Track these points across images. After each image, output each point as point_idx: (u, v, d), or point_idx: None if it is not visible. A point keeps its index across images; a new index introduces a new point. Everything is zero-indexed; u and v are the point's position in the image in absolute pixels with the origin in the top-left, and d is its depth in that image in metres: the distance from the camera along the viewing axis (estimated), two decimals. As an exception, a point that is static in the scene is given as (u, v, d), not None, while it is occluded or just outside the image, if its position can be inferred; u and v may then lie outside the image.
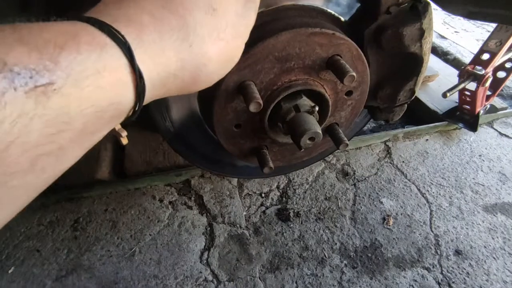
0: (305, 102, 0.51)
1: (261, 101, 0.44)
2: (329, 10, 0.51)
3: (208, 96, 0.51)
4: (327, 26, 0.47)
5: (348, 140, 0.84)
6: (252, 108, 0.44)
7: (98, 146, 0.34)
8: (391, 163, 1.27)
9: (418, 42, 0.50)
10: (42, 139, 0.20)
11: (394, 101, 0.60)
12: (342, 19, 0.53)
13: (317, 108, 0.52)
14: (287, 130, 0.52)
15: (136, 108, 0.27)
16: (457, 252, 1.00)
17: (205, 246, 0.99)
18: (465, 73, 1.12)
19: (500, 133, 1.43)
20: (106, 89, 0.23)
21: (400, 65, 0.57)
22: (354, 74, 0.45)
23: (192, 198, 1.12)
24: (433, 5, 0.51)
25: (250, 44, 0.43)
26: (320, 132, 0.48)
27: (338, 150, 0.58)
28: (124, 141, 0.34)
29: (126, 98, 0.25)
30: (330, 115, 0.55)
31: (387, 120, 0.65)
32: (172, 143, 0.63)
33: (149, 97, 0.27)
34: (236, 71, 0.47)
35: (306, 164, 0.82)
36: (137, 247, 0.97)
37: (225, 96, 0.49)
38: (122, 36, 0.24)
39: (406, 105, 0.63)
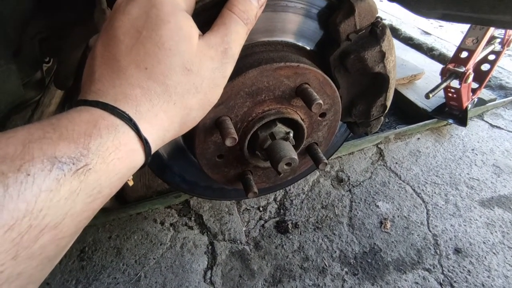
0: (280, 129, 0.54)
1: (236, 136, 0.47)
2: (294, 42, 0.55)
3: (189, 132, 0.54)
4: (292, 58, 0.51)
5: (340, 146, 0.87)
6: (228, 143, 0.47)
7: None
8: (384, 166, 1.29)
9: (381, 63, 0.53)
10: (84, 208, 0.27)
11: (368, 116, 0.63)
12: (308, 48, 0.56)
13: (291, 134, 0.55)
14: (265, 157, 0.55)
15: (146, 164, 0.34)
16: (457, 251, 1.01)
17: (207, 265, 1.02)
18: (446, 72, 1.15)
19: (491, 125, 1.44)
20: (124, 158, 0.30)
21: (369, 84, 0.60)
22: (321, 102, 0.48)
23: (192, 218, 1.15)
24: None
25: None
26: (296, 157, 0.51)
27: (319, 169, 0.61)
28: (130, 183, 0.40)
29: (138, 161, 0.32)
30: (306, 137, 0.58)
31: (366, 133, 0.68)
32: (162, 176, 0.66)
33: (152, 152, 0.34)
34: (211, 109, 0.50)
35: (300, 177, 0.83)
36: (142, 272, 1.00)
37: (204, 132, 0.52)
38: (128, 115, 0.31)
39: (382, 117, 0.66)
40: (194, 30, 0.35)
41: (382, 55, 0.53)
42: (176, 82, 0.34)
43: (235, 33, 0.37)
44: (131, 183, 0.38)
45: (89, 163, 0.26)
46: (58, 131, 0.26)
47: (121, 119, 0.30)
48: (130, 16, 0.34)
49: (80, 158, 0.26)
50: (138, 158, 0.32)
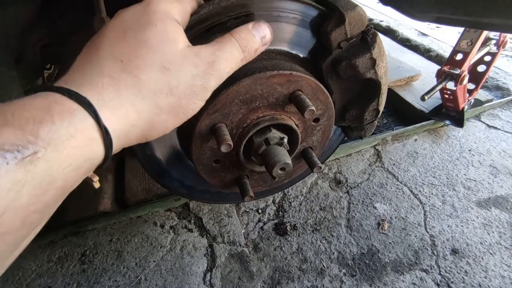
0: (275, 135, 0.55)
1: (231, 142, 0.48)
2: (287, 50, 0.56)
3: (185, 138, 0.56)
4: (285, 66, 0.52)
5: (336, 149, 0.88)
6: (223, 149, 0.48)
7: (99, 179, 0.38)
8: (382, 167, 1.30)
9: (372, 69, 0.55)
10: (31, 200, 0.24)
11: (361, 120, 0.64)
12: (301, 55, 0.58)
13: (286, 139, 0.56)
14: (261, 162, 0.57)
15: (106, 159, 0.31)
16: (454, 251, 1.02)
17: (207, 267, 1.03)
18: (442, 74, 1.16)
19: (488, 125, 1.45)
20: (80, 147, 0.27)
21: (361, 89, 0.61)
22: (313, 108, 0.49)
23: (192, 221, 1.17)
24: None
25: (217, 92, 0.47)
26: (290, 162, 0.53)
27: (313, 172, 0.62)
28: (96, 185, 0.36)
29: (96, 152, 0.29)
30: (301, 142, 0.60)
31: (360, 137, 0.69)
32: (160, 181, 0.68)
33: (115, 147, 0.32)
34: (207, 116, 0.52)
35: (297, 179, 0.85)
36: (142, 274, 1.02)
37: (200, 138, 0.53)
38: (87, 100, 0.28)
39: (375, 121, 0.67)
40: (181, 36, 0.36)
41: (373, 62, 0.54)
42: (150, 77, 0.32)
43: (228, 53, 0.37)
44: (97, 185, 0.35)
45: (37, 151, 0.24)
46: (3, 117, 0.24)
47: (79, 104, 0.28)
48: (122, 19, 0.35)
49: (27, 146, 0.24)
50: (96, 149, 0.29)
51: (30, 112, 0.25)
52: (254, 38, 0.40)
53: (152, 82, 0.33)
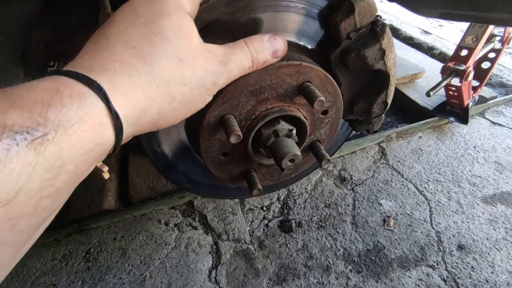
0: (283, 126, 0.55)
1: (240, 133, 0.48)
2: (295, 41, 0.56)
3: (194, 131, 0.56)
4: (294, 57, 0.52)
5: (341, 145, 0.88)
6: (233, 140, 0.48)
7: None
8: (386, 164, 1.29)
9: (381, 60, 0.54)
10: (43, 184, 0.23)
11: (369, 113, 0.64)
12: (310, 47, 0.58)
13: (294, 131, 0.56)
14: (269, 154, 0.56)
15: (116, 145, 0.30)
16: (460, 247, 1.01)
17: (212, 264, 1.02)
18: (447, 70, 1.15)
19: (492, 122, 1.44)
20: (90, 131, 0.27)
21: (370, 81, 0.61)
22: (323, 98, 0.49)
23: (196, 219, 1.16)
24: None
25: None
26: (299, 153, 0.52)
27: (321, 166, 0.62)
28: (106, 175, 0.35)
29: (107, 137, 0.29)
30: (309, 134, 0.59)
31: (367, 131, 0.69)
32: (167, 175, 0.67)
33: (126, 134, 0.31)
34: (216, 107, 0.51)
35: (303, 175, 0.84)
36: (147, 272, 1.01)
37: (209, 130, 0.53)
38: (97, 84, 0.28)
39: (383, 115, 0.67)
40: (195, 32, 0.36)
41: (382, 53, 0.54)
42: (164, 67, 0.32)
43: (239, 58, 0.38)
44: (106, 175, 0.34)
45: (47, 133, 0.23)
46: (10, 99, 0.23)
47: (89, 87, 0.27)
48: (132, 6, 0.35)
49: (36, 128, 0.23)
50: (106, 134, 0.29)
51: (38, 94, 0.24)
52: (265, 50, 0.40)
53: (166, 71, 0.33)
